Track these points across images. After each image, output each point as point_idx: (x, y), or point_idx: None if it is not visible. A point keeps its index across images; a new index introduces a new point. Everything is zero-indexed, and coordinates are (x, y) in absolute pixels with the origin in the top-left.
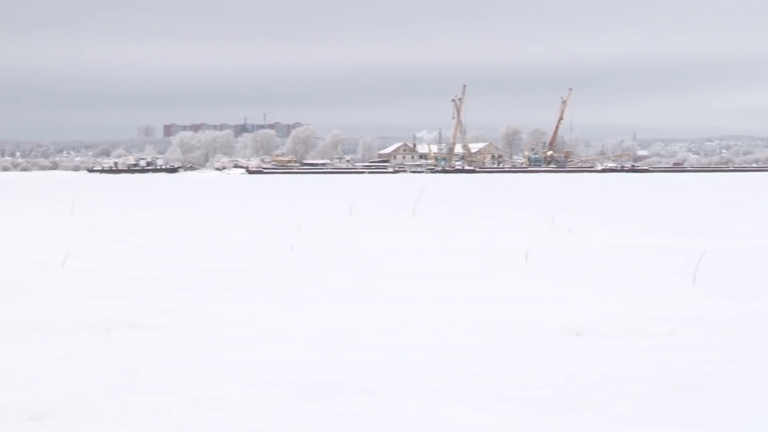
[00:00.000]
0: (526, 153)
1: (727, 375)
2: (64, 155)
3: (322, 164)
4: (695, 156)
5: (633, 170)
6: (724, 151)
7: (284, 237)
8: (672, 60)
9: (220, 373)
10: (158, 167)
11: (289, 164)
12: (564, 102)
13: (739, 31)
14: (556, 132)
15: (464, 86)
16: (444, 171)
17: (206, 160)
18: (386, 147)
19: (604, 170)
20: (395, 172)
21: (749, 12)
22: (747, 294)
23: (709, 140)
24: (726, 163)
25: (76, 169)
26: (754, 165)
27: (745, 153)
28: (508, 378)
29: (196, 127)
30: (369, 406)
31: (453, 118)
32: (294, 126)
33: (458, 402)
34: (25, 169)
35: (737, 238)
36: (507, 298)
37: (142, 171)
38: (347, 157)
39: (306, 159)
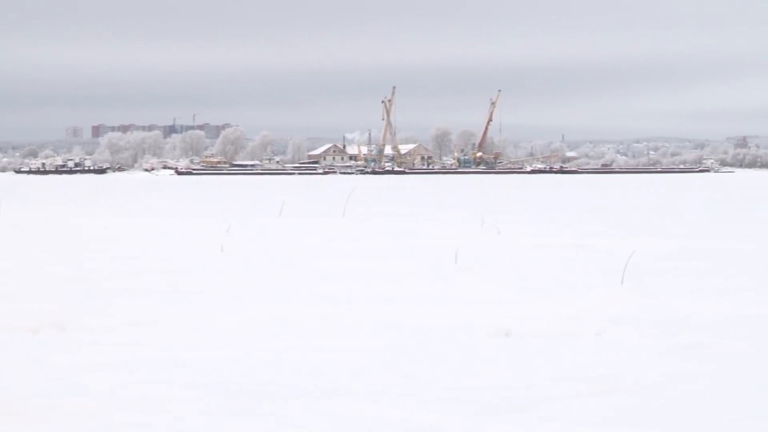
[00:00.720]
0: (456, 154)
1: (655, 375)
2: None
3: (252, 165)
4: (623, 157)
5: (561, 171)
6: (652, 152)
7: (214, 239)
8: (601, 62)
9: (151, 375)
10: (86, 168)
11: (218, 165)
12: (493, 103)
13: (667, 33)
14: (485, 133)
15: (394, 87)
16: (374, 172)
17: (135, 161)
18: (316, 148)
19: (533, 171)
20: (325, 173)
21: (678, 14)
22: (674, 294)
23: (637, 142)
24: (654, 164)
25: (3, 170)
26: (682, 166)
27: (673, 154)
28: (440, 379)
29: (124, 128)
30: (299, 407)
31: (383, 119)
32: (223, 127)
33: (391, 403)
34: None
35: (665, 239)
36: (437, 300)
37: (70, 172)
38: (277, 158)
39: (235, 160)
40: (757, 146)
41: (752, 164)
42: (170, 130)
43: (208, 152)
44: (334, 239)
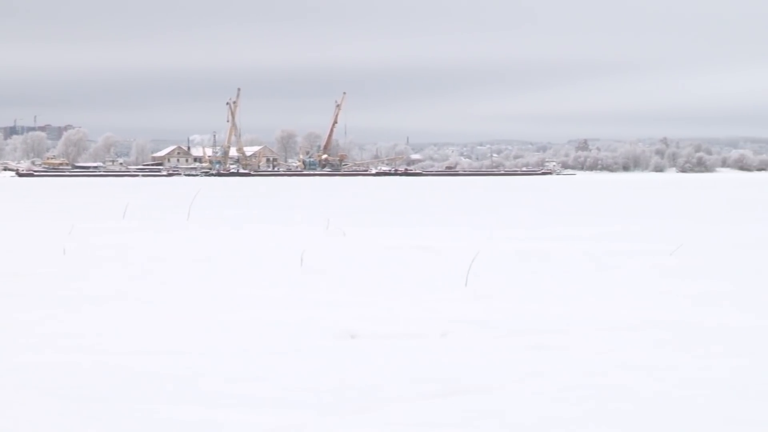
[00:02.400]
0: (301, 156)
1: (500, 375)
2: None
3: (95, 167)
4: (467, 160)
5: (406, 174)
6: (495, 155)
7: (56, 241)
8: (445, 65)
9: None
10: None
11: (60, 167)
12: (338, 106)
13: (511, 37)
14: (330, 135)
15: (239, 89)
16: (219, 174)
17: None
18: (160, 150)
19: (378, 174)
20: (169, 175)
21: (519, 19)
22: (518, 295)
23: (481, 144)
24: (497, 166)
25: None
26: (525, 169)
27: (516, 157)
28: (286, 380)
29: None
30: (146, 412)
31: (228, 121)
32: (65, 128)
33: (237, 405)
34: None
35: (509, 240)
36: (282, 302)
37: None
38: (120, 160)
39: (78, 162)
40: (598, 149)
41: (593, 167)
42: (11, 131)
43: (49, 154)
44: (178, 242)
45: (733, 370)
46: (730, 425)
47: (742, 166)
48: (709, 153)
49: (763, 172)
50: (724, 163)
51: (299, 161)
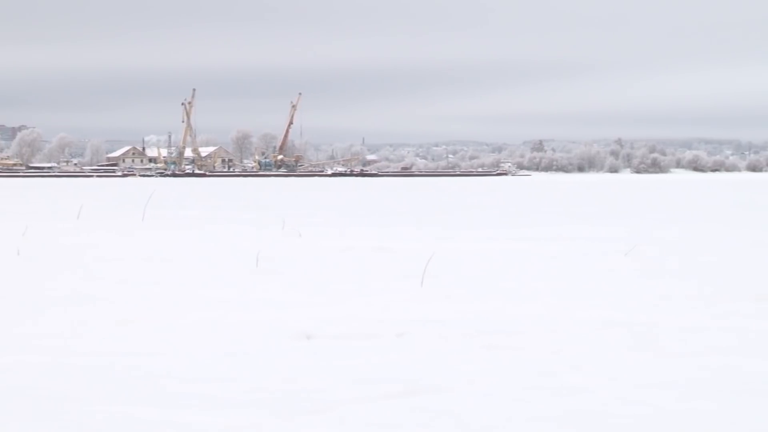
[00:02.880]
0: (257, 157)
1: (455, 376)
2: None
3: (49, 168)
4: (423, 160)
5: (362, 174)
6: (450, 155)
7: (10, 242)
8: (401, 66)
9: None
10: None
11: (14, 168)
12: (294, 106)
13: (467, 37)
14: (286, 136)
15: (194, 90)
16: (174, 175)
17: None
18: (115, 151)
19: (333, 174)
20: (124, 175)
21: (477, 20)
22: (473, 296)
23: (437, 145)
24: (453, 167)
25: None
26: (480, 169)
27: (471, 158)
28: (242, 381)
29: None
30: (104, 413)
31: (183, 121)
32: (19, 128)
33: (193, 406)
34: None
35: (464, 241)
36: (238, 303)
37: None
38: (75, 161)
39: (32, 162)
40: (553, 150)
41: (548, 167)
42: None
43: (3, 154)
44: (134, 242)
45: (689, 370)
46: (685, 425)
47: (696, 166)
48: (664, 154)
49: (716, 173)
50: (679, 164)
51: (255, 162)
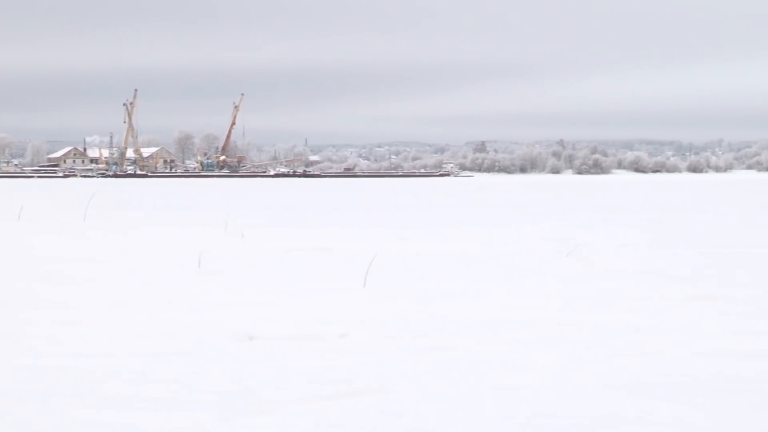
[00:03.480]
0: (199, 158)
1: (398, 376)
2: None
3: None
4: (366, 161)
5: (305, 175)
6: (393, 156)
7: None
8: (344, 66)
9: None
10: None
11: None
12: (236, 107)
13: (410, 38)
14: (228, 137)
15: (136, 90)
16: (115, 175)
17: None
18: (56, 151)
19: (276, 175)
20: (65, 176)
21: (419, 21)
22: (416, 296)
23: (379, 146)
24: (395, 168)
25: None
26: (422, 170)
27: (414, 158)
28: (185, 382)
29: None
30: (43, 415)
31: (124, 122)
32: None
33: (136, 407)
34: None
35: (406, 242)
36: (180, 304)
37: None
38: (15, 161)
39: None
40: (495, 151)
41: (491, 168)
42: None
43: None
44: (75, 243)
45: (633, 369)
46: (628, 425)
47: (638, 167)
48: (605, 155)
49: (657, 174)
50: (620, 165)
51: (197, 163)
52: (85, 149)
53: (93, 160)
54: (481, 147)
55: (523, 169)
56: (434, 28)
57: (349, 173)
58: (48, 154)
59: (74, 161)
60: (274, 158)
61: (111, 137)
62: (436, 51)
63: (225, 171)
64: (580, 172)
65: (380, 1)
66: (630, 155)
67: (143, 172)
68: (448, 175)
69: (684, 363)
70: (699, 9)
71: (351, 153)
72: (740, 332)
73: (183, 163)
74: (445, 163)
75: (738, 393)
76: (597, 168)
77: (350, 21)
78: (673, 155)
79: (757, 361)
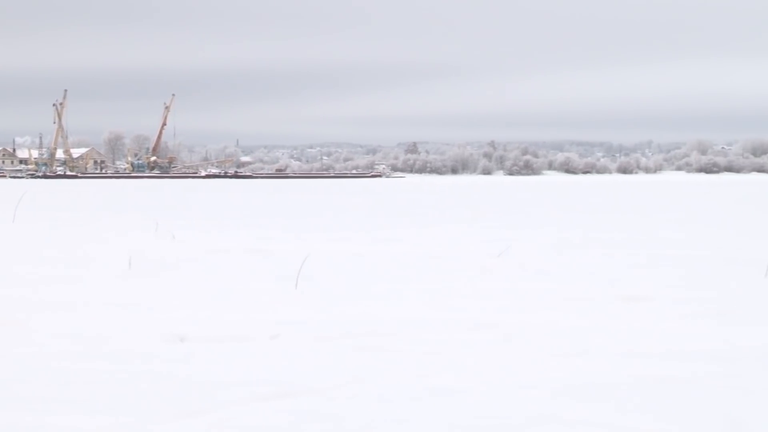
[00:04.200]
0: (129, 158)
1: (329, 377)
2: None
3: None
4: (297, 162)
5: (236, 176)
6: (325, 157)
7: None
8: (276, 67)
9: None
10: None
11: None
12: (167, 108)
13: (343, 39)
14: (159, 138)
15: (65, 91)
16: (45, 176)
17: None
18: None
19: (207, 176)
20: None
21: (352, 22)
22: (347, 297)
23: (311, 147)
24: (327, 169)
25: None
26: (354, 171)
27: (346, 159)
28: (115, 384)
29: None
30: None
31: (54, 122)
32: None
33: (64, 410)
34: None
35: (338, 243)
36: (110, 305)
37: None
38: None
39: None
40: (427, 152)
41: (422, 169)
42: None
43: None
44: (4, 244)
45: (561, 370)
46: (561, 425)
47: (568, 168)
48: (536, 156)
49: (588, 175)
50: (551, 166)
51: (127, 163)
52: (14, 150)
53: (22, 161)
54: (412, 148)
55: (454, 170)
56: (366, 30)
57: (280, 174)
58: None
59: (3, 162)
60: (206, 159)
61: (41, 138)
62: (368, 52)
63: (156, 172)
64: (511, 173)
65: (312, 3)
66: (560, 156)
67: (73, 173)
68: (380, 176)
69: (610, 364)
70: (628, 12)
71: (282, 154)
72: (664, 334)
73: (113, 164)
74: (377, 164)
75: (662, 394)
76: (528, 169)
77: (282, 23)
78: (603, 156)
79: (681, 362)
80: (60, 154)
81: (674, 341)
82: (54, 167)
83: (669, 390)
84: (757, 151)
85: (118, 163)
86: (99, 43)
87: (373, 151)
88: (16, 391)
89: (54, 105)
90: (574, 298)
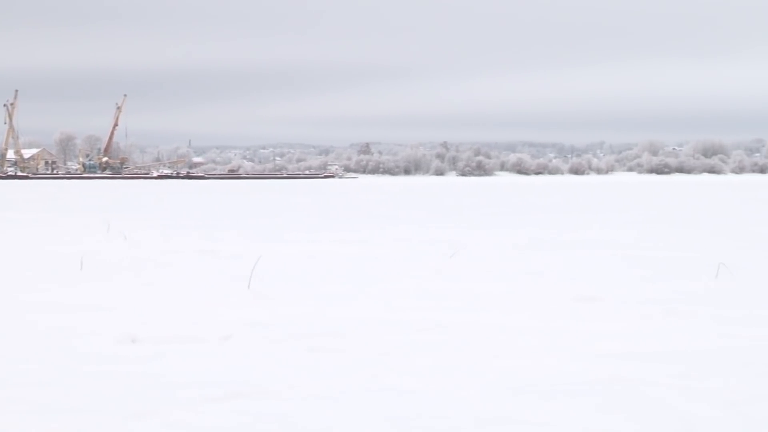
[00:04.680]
0: (81, 159)
1: (281, 378)
2: None
3: None
4: (250, 163)
5: (189, 177)
6: (278, 158)
7: None
8: (228, 68)
9: None
10: None
11: None
12: (119, 108)
13: (295, 40)
14: (111, 138)
15: (16, 91)
16: None
17: None
18: None
19: (159, 177)
20: None
21: (305, 23)
22: (299, 298)
23: (264, 148)
24: (280, 170)
25: None
26: (307, 172)
27: (299, 160)
28: (66, 386)
29: None
30: None
31: (5, 123)
32: None
33: (20, 411)
34: None
35: (291, 243)
36: (61, 306)
37: None
38: None
39: None
40: (380, 153)
41: (375, 170)
42: None
43: None
44: None
45: (514, 370)
46: (508, 425)
47: (520, 169)
48: (489, 157)
49: (540, 176)
50: (503, 167)
51: (79, 164)
52: None
53: None
54: (365, 149)
55: (407, 171)
56: (319, 31)
57: (233, 175)
58: None
59: None
60: (158, 160)
61: None
62: (320, 53)
63: (107, 172)
64: (463, 174)
65: (265, 4)
66: (513, 157)
67: (24, 174)
68: (333, 176)
69: (562, 365)
70: (579, 14)
71: (235, 155)
72: (617, 334)
73: (65, 164)
74: (330, 165)
75: (617, 394)
76: (480, 170)
77: (235, 23)
78: (555, 157)
79: (636, 361)
80: (11, 154)
81: (627, 342)
82: (5, 168)
83: (622, 390)
84: (707, 152)
85: (69, 163)
86: (50, 43)
87: (326, 152)
88: None
89: (5, 105)
90: (528, 298)
